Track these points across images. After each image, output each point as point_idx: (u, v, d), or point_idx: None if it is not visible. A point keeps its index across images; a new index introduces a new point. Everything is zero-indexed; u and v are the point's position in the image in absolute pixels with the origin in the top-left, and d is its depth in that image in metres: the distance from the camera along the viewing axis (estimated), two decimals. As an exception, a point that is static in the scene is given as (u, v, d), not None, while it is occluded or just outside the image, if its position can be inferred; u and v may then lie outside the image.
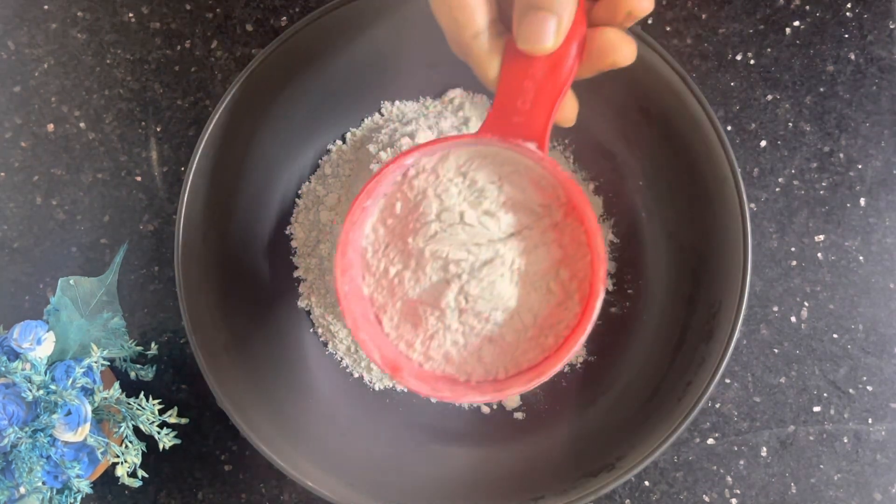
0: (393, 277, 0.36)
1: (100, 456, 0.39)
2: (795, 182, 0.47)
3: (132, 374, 0.43)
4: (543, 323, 0.37)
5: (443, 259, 0.35)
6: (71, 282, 0.41)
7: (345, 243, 0.35)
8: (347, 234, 0.35)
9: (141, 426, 0.40)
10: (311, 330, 0.46)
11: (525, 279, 0.36)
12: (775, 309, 0.46)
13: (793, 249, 0.46)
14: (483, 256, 0.35)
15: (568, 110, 0.34)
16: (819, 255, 0.46)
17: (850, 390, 0.46)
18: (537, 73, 0.32)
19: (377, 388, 0.46)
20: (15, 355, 0.39)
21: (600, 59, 0.31)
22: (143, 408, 0.40)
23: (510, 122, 0.32)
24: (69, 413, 0.38)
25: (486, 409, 0.45)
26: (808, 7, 0.47)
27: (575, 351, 0.35)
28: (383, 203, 0.37)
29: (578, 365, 0.45)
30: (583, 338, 0.34)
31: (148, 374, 0.43)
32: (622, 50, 0.30)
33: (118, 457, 0.39)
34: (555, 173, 0.34)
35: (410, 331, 0.37)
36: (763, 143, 0.47)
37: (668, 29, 0.47)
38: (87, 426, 0.39)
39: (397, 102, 0.46)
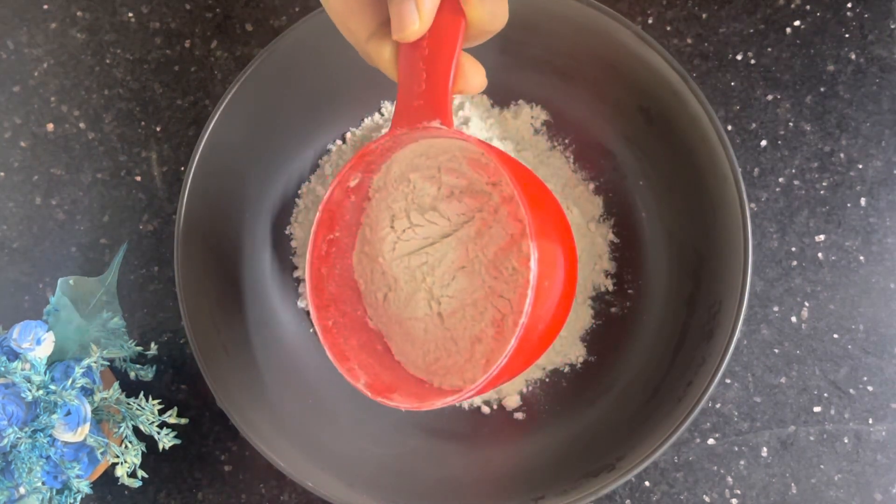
0: (384, 302, 0.36)
1: (99, 456, 0.39)
2: (796, 182, 0.47)
3: (132, 374, 0.43)
4: (517, 307, 0.35)
5: (408, 268, 0.35)
6: (70, 282, 0.41)
7: (318, 278, 0.35)
8: (319, 270, 0.35)
9: (141, 426, 0.40)
10: (311, 330, 0.46)
11: (483, 264, 0.35)
12: (776, 309, 0.46)
13: (793, 249, 0.46)
14: (439, 254, 0.35)
15: (471, 77, 0.33)
16: (819, 255, 0.46)
17: (851, 390, 0.46)
18: (425, 55, 0.31)
19: (377, 389, 0.46)
20: (15, 355, 0.39)
21: (479, 18, 0.31)
22: (143, 408, 0.40)
23: (413, 108, 0.32)
24: (69, 413, 0.38)
25: (486, 410, 0.45)
26: (808, 7, 0.47)
27: (517, 336, 0.32)
28: (361, 233, 0.37)
29: (578, 365, 0.45)
30: (523, 319, 0.31)
31: (148, 374, 0.43)
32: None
33: (118, 457, 0.39)
34: (464, 138, 0.33)
35: (412, 351, 0.36)
36: (763, 143, 0.47)
37: (668, 28, 0.47)
38: (87, 426, 0.38)
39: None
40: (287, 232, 0.46)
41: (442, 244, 0.35)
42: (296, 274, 0.46)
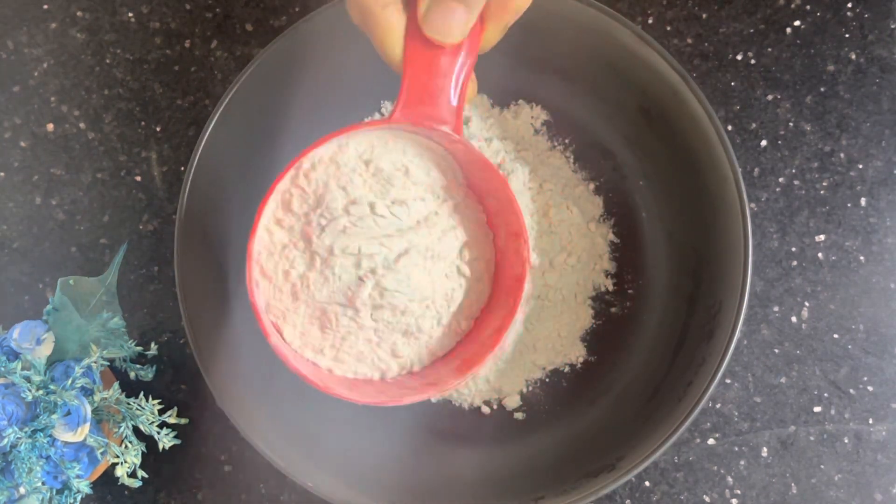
0: (295, 281, 0.34)
1: (99, 456, 0.39)
2: (796, 182, 0.47)
3: (132, 375, 0.43)
4: (456, 308, 0.36)
5: (354, 255, 0.33)
6: (70, 282, 0.41)
7: (251, 256, 0.33)
8: (252, 246, 0.33)
9: (140, 426, 0.40)
10: (311, 330, 0.46)
11: (437, 266, 0.35)
12: (776, 309, 0.46)
13: (793, 249, 0.46)
14: (397, 248, 0.34)
15: (470, 89, 0.33)
16: (820, 255, 0.46)
17: (851, 390, 0.45)
18: (443, 56, 0.31)
19: (377, 389, 0.46)
20: (14, 355, 0.39)
21: (502, 12, 0.30)
22: (143, 408, 0.40)
23: (421, 106, 0.31)
24: (69, 413, 0.38)
25: (486, 410, 0.45)
26: (808, 7, 0.47)
27: (508, 332, 0.35)
28: (276, 201, 0.34)
29: (578, 365, 0.45)
30: (519, 315, 0.34)
31: (148, 374, 0.43)
32: None
33: (118, 457, 0.39)
34: (475, 156, 0.33)
35: (317, 335, 0.35)
36: (763, 143, 0.47)
37: (668, 28, 0.47)
38: (87, 426, 0.38)
39: (397, 102, 0.46)
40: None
41: (400, 237, 0.34)
42: (296, 274, 0.46)
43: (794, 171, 0.47)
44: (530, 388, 0.45)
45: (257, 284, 0.34)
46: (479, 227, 0.37)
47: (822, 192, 0.46)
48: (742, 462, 0.45)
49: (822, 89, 0.47)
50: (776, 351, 0.46)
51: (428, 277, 0.35)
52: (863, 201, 0.46)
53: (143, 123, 0.48)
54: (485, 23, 0.31)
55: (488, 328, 0.37)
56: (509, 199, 0.34)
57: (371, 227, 0.34)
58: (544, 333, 0.45)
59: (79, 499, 0.40)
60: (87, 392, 0.40)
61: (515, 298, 0.35)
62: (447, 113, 0.32)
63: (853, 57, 0.47)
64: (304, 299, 0.35)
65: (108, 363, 0.42)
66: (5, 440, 0.37)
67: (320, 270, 0.34)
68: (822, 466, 0.45)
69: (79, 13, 0.49)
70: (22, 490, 0.38)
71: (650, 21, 0.47)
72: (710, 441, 0.46)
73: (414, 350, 0.37)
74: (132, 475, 0.40)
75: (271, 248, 0.35)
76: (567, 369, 0.45)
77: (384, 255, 0.34)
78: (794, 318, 0.46)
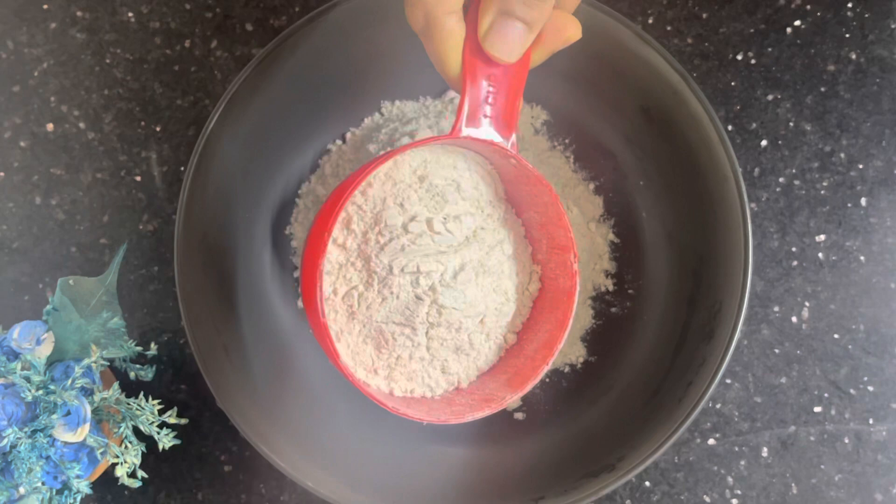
0: (352, 301, 0.34)
1: (99, 456, 0.39)
2: (796, 182, 0.47)
3: (132, 375, 0.43)
4: (504, 323, 0.37)
5: (413, 273, 0.33)
6: (70, 282, 0.41)
7: (321, 277, 0.31)
8: (322, 266, 0.31)
9: (140, 426, 0.40)
10: (311, 330, 0.46)
11: (487, 281, 0.35)
12: (776, 309, 0.46)
13: (794, 249, 0.46)
14: (452, 265, 0.34)
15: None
16: (820, 255, 0.46)
17: (851, 390, 0.45)
18: (500, 71, 0.31)
19: (377, 389, 0.46)
20: (14, 355, 0.39)
21: (555, 38, 0.31)
22: (143, 408, 0.40)
23: (478, 120, 0.32)
24: (68, 413, 0.38)
25: (486, 410, 0.45)
26: (809, 6, 0.47)
27: (563, 339, 0.35)
28: (341, 220, 0.34)
29: (579, 365, 0.45)
30: (568, 327, 0.35)
31: (147, 374, 0.43)
32: (572, 26, 0.31)
33: (118, 457, 0.39)
34: (527, 171, 0.34)
35: (371, 354, 0.35)
36: (764, 143, 0.47)
37: (668, 28, 0.47)
38: (87, 426, 0.38)
39: (397, 102, 0.46)
40: (287, 232, 0.46)
41: (454, 254, 0.34)
42: (296, 274, 0.46)
43: (794, 171, 0.47)
44: (530, 388, 0.45)
45: (323, 306, 0.33)
46: (521, 241, 0.37)
47: (822, 192, 0.46)
48: (742, 462, 0.45)
49: (822, 89, 0.47)
50: (776, 351, 0.46)
51: (481, 293, 0.35)
52: (863, 201, 0.46)
53: (143, 123, 0.48)
54: (534, 45, 0.31)
55: (533, 342, 0.37)
56: (559, 214, 0.35)
57: (428, 245, 0.34)
58: (544, 333, 0.45)
59: (79, 499, 0.40)
60: (87, 392, 0.40)
61: (566, 312, 0.35)
62: (505, 127, 0.32)
63: (853, 57, 0.47)
64: (361, 319, 0.34)
65: (108, 363, 0.42)
66: (5, 440, 0.37)
67: (378, 290, 0.34)
68: (822, 466, 0.45)
69: (79, 13, 0.49)
70: (22, 490, 0.38)
71: (650, 21, 0.47)
72: (711, 441, 0.46)
73: (463, 366, 0.37)
74: (132, 475, 0.40)
75: (328, 267, 0.34)
76: (567, 369, 0.45)
77: (441, 273, 0.34)
78: (794, 318, 0.46)
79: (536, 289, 0.38)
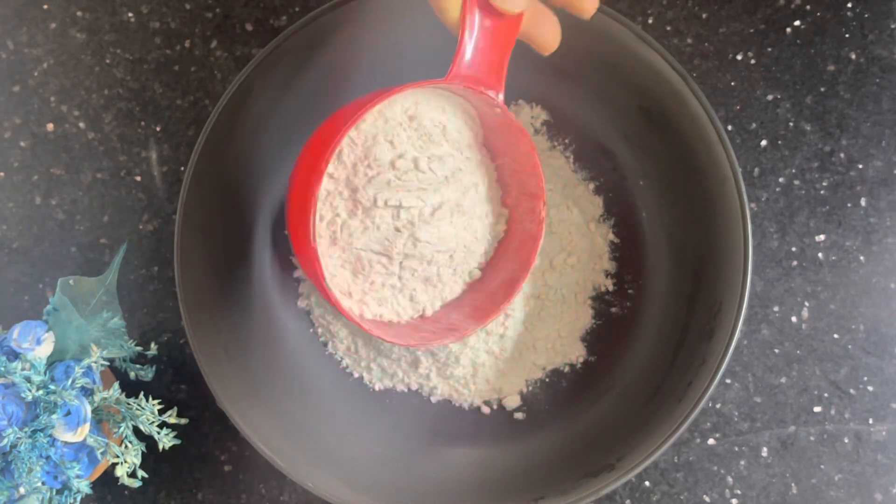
0: (335, 228, 0.36)
1: (99, 456, 0.39)
2: (796, 182, 0.47)
3: (132, 375, 0.43)
4: (471, 259, 0.39)
5: (395, 207, 0.35)
6: (70, 282, 0.41)
7: (316, 199, 0.34)
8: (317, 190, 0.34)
9: (140, 426, 0.40)
10: (311, 330, 0.46)
11: (461, 220, 0.37)
12: (776, 309, 0.46)
13: (793, 249, 0.46)
14: (432, 202, 0.36)
15: (551, 40, 0.35)
16: (820, 255, 0.46)
17: (851, 390, 0.45)
18: (498, 23, 0.33)
19: (377, 388, 0.46)
20: (14, 355, 0.39)
21: (533, 31, 0.33)
22: (143, 408, 0.40)
23: (471, 68, 0.33)
24: (69, 413, 0.38)
25: (486, 410, 0.45)
26: (808, 6, 0.47)
27: (528, 269, 0.38)
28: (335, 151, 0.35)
29: (579, 365, 0.45)
30: (536, 254, 0.37)
31: (148, 374, 0.43)
32: (551, 29, 0.33)
33: (118, 457, 0.39)
34: (510, 121, 0.35)
35: (348, 279, 0.37)
36: (764, 143, 0.47)
37: (668, 28, 0.47)
38: (87, 426, 0.38)
39: (397, 102, 0.46)
40: (287, 232, 0.46)
41: (434, 192, 0.36)
42: (296, 274, 0.46)
43: (794, 171, 0.47)
44: (530, 388, 0.45)
45: (314, 230, 0.35)
46: (493, 184, 0.39)
47: (822, 192, 0.46)
48: (742, 462, 0.45)
49: (822, 89, 0.47)
50: (776, 351, 0.46)
51: (453, 230, 0.37)
52: (863, 201, 0.46)
53: (143, 123, 0.48)
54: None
55: (495, 279, 0.39)
56: (534, 164, 0.37)
57: (411, 181, 0.35)
58: (544, 333, 0.45)
59: (79, 499, 0.40)
60: (87, 392, 0.40)
61: (529, 253, 0.38)
62: (494, 79, 0.34)
63: (853, 57, 0.47)
64: (342, 245, 0.36)
65: (108, 363, 0.42)
66: (5, 440, 0.37)
67: (361, 219, 0.36)
68: (822, 466, 0.45)
69: (79, 13, 0.49)
70: (22, 490, 0.38)
71: (650, 21, 0.47)
72: (711, 441, 0.46)
73: (429, 296, 0.39)
74: (132, 475, 0.40)
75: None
76: (567, 369, 0.45)
77: (420, 209, 0.36)
78: (794, 318, 0.46)
79: (502, 230, 0.40)
